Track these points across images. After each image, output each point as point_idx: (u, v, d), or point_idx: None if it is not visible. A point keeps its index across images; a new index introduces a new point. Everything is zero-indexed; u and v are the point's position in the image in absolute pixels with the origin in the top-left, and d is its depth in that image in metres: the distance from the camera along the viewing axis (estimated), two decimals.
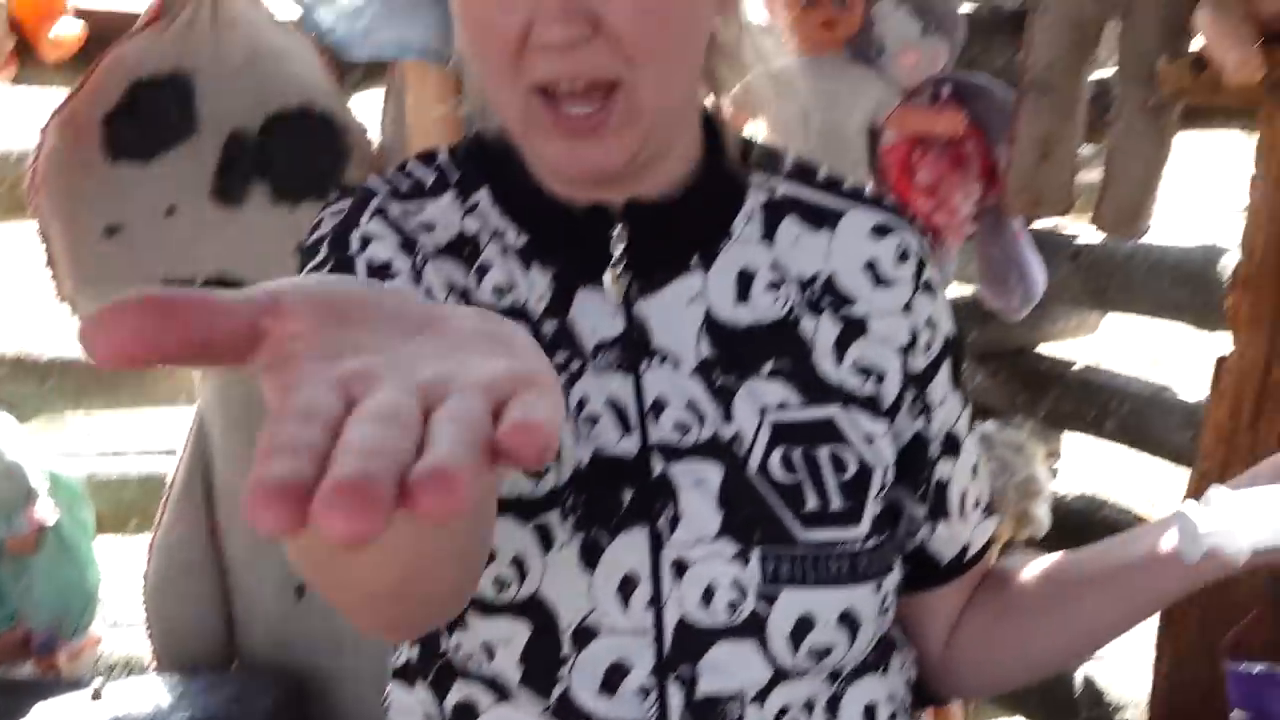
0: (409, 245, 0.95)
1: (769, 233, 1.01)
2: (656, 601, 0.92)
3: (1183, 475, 1.92)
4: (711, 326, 0.97)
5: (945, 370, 1.04)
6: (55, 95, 2.10)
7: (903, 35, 2.26)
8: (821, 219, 1.02)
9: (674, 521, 0.93)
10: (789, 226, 1.01)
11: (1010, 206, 2.24)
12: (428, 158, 1.03)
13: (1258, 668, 1.46)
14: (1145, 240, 2.22)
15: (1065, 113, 2.12)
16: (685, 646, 0.93)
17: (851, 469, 0.97)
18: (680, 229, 0.99)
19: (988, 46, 2.54)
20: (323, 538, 0.40)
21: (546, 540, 0.92)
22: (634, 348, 0.96)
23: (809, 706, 0.96)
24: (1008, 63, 2.40)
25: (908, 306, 1.02)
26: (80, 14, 2.12)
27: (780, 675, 0.94)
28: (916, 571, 1.08)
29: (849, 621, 0.95)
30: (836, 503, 0.96)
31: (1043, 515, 2.47)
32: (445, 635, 0.97)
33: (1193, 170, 3.01)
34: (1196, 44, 1.77)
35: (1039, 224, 2.54)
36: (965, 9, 2.48)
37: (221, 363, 0.47)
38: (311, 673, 2.22)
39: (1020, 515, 2.44)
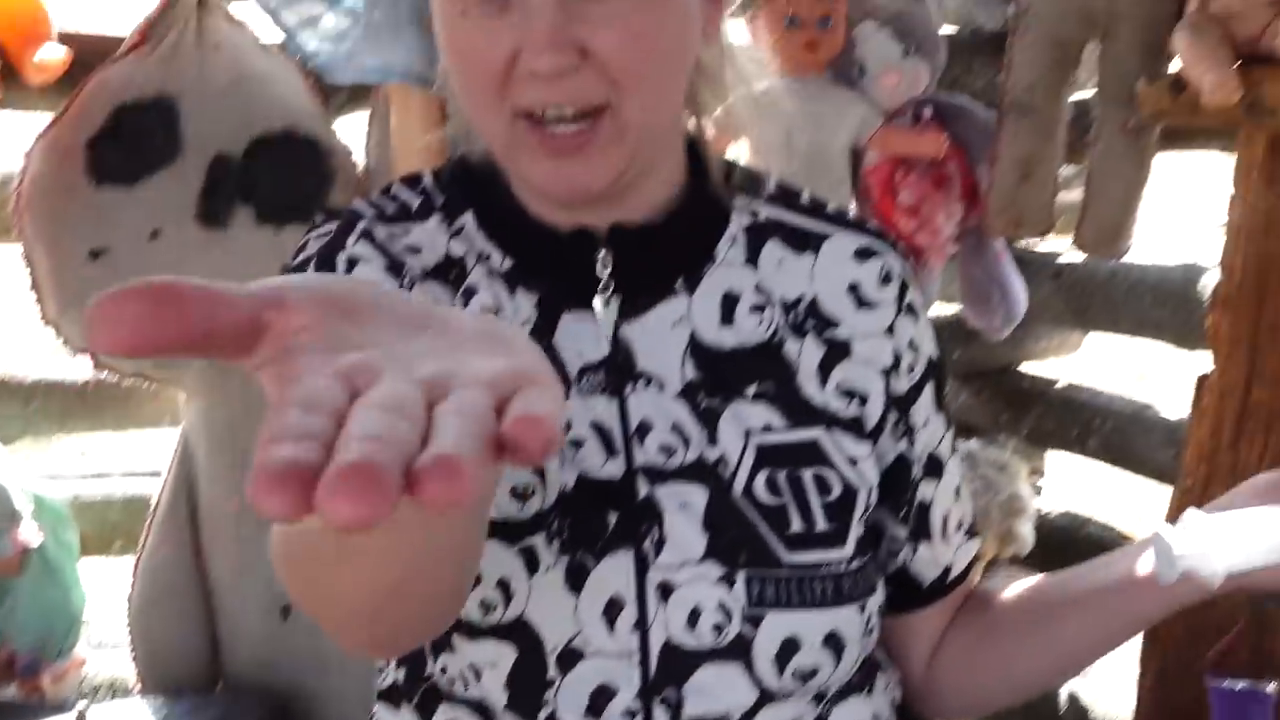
0: (396, 268, 0.95)
1: (753, 256, 1.01)
2: (642, 624, 0.93)
3: (1165, 493, 1.93)
4: (696, 349, 0.97)
5: (928, 392, 1.05)
6: (40, 119, 2.10)
7: (884, 57, 2.28)
8: (805, 242, 1.03)
9: (659, 544, 0.93)
10: (772, 249, 1.02)
11: (992, 227, 2.25)
12: (413, 181, 1.04)
13: (1240, 684, 1.47)
14: (1126, 259, 2.23)
15: (1046, 134, 2.13)
16: (671, 669, 0.93)
17: (836, 491, 0.98)
18: (665, 253, 1.00)
19: (969, 68, 2.55)
20: (327, 522, 0.39)
21: (532, 563, 0.92)
22: (619, 371, 0.96)
23: None
24: (989, 84, 2.42)
25: (890, 329, 1.02)
26: (65, 38, 2.12)
27: (766, 697, 0.95)
28: (899, 593, 1.08)
29: (834, 643, 0.96)
30: (821, 524, 0.96)
31: (1026, 533, 2.48)
32: (431, 658, 0.97)
33: (1173, 190, 3.03)
34: (1175, 66, 1.78)
35: (1021, 243, 2.55)
36: (946, 31, 2.49)
37: (223, 355, 0.46)
38: (296, 694, 2.21)
39: (1004, 533, 2.45)
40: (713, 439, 0.96)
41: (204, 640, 2.24)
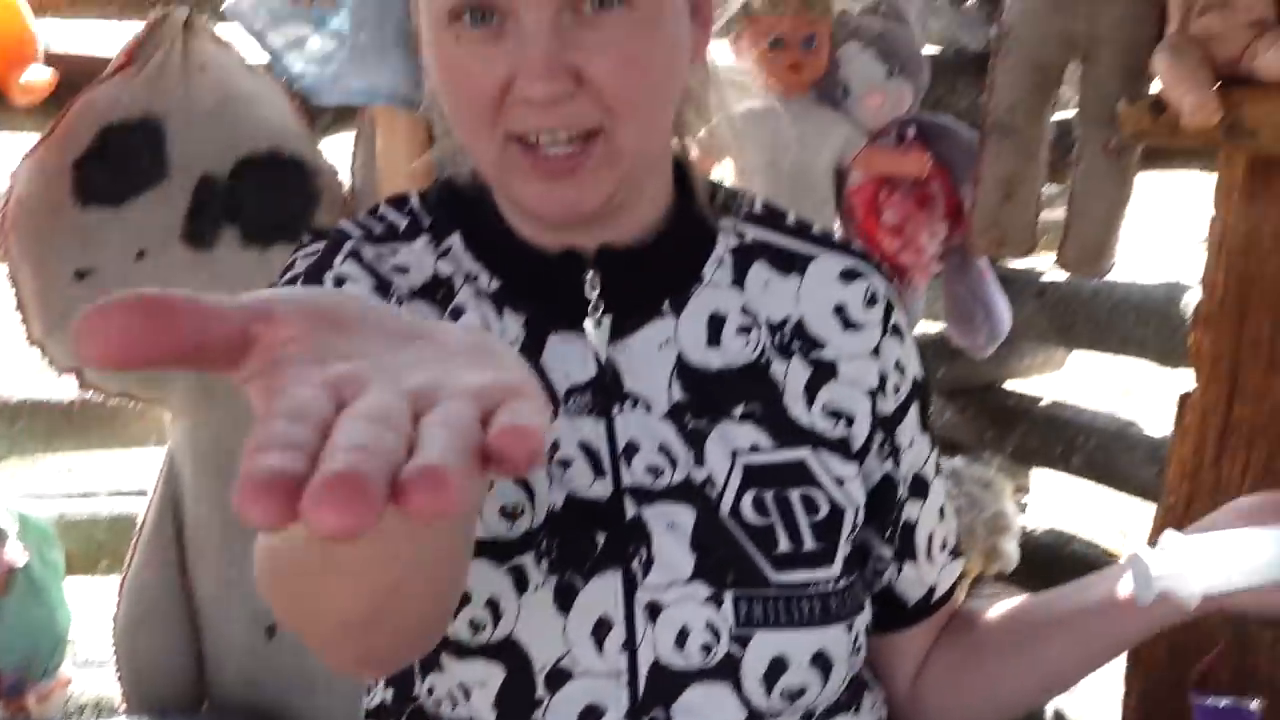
0: (383, 287, 0.96)
1: (739, 277, 1.02)
2: (630, 644, 0.93)
3: (1149, 510, 1.94)
4: (683, 370, 0.98)
5: (913, 413, 1.06)
6: (26, 140, 2.10)
7: (868, 78, 2.29)
8: (791, 264, 1.04)
9: (647, 564, 0.94)
10: (759, 271, 1.03)
11: (975, 247, 2.27)
12: (400, 202, 1.04)
13: (1224, 701, 1.47)
14: (1109, 278, 2.25)
15: (1028, 154, 2.14)
16: (659, 689, 0.93)
17: (823, 510, 0.98)
18: (652, 274, 1.00)
19: (952, 88, 2.57)
20: (312, 531, 0.40)
21: (521, 583, 0.92)
22: (606, 392, 0.97)
23: None
24: (972, 104, 2.43)
25: (876, 350, 1.03)
26: (51, 59, 2.12)
27: (754, 717, 0.95)
28: (884, 612, 1.09)
29: (822, 662, 0.96)
30: (809, 544, 0.97)
31: (1011, 550, 2.48)
32: (419, 677, 0.97)
33: (1155, 209, 3.04)
34: (1156, 87, 1.80)
35: (1005, 262, 2.56)
36: (930, 51, 2.51)
37: (212, 367, 0.47)
38: (282, 713, 2.20)
39: (989, 550, 2.46)
40: (700, 460, 0.96)
41: (189, 659, 2.24)
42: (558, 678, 0.93)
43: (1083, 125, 2.11)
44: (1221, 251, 1.70)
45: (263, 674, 2.20)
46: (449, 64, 0.90)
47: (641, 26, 0.88)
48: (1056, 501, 3.13)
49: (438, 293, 0.98)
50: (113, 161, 2.06)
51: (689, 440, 0.96)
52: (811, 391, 1.00)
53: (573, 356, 0.97)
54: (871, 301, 1.04)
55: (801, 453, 0.99)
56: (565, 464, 0.95)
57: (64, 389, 2.25)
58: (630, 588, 0.93)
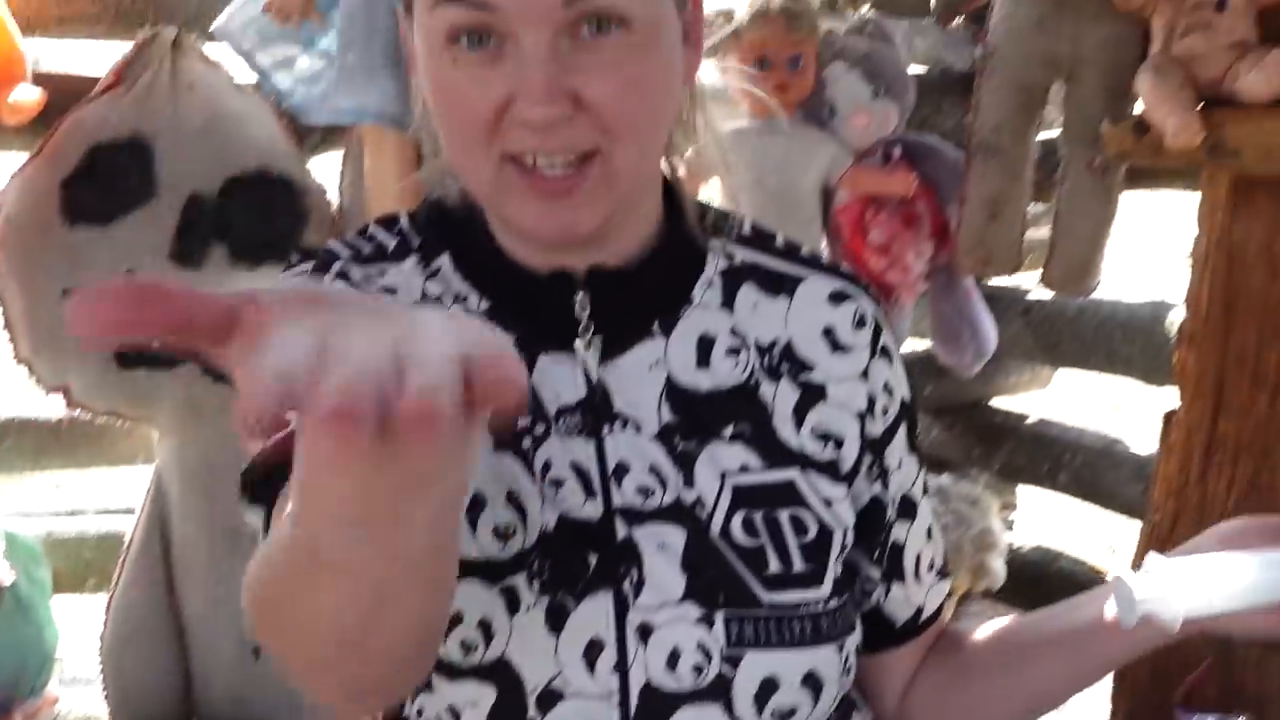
0: None
1: (728, 299, 1.02)
2: (622, 665, 0.93)
3: (1135, 527, 1.95)
4: (672, 391, 0.98)
5: (901, 434, 1.06)
6: (14, 159, 2.10)
7: (854, 98, 2.31)
8: (780, 285, 1.04)
9: (639, 585, 0.94)
10: (748, 293, 1.03)
11: (961, 265, 2.28)
12: (389, 222, 1.04)
13: (1211, 718, 1.48)
14: (1095, 296, 2.26)
15: (1013, 174, 2.16)
16: (651, 710, 0.93)
17: (812, 531, 0.98)
18: (642, 295, 1.00)
19: (938, 108, 2.59)
20: (318, 418, 0.44)
21: (513, 603, 0.92)
22: (596, 412, 0.97)
23: None
24: (958, 123, 2.45)
25: (865, 373, 1.03)
26: (39, 79, 2.13)
27: None
28: (872, 632, 1.09)
29: (812, 682, 0.96)
30: (798, 565, 0.97)
31: (998, 567, 2.49)
32: (409, 699, 0.97)
33: (1140, 227, 3.06)
34: (1139, 108, 1.81)
35: (991, 280, 2.57)
36: (915, 71, 2.53)
37: (200, 344, 0.49)
38: None
39: (976, 567, 2.46)
40: (689, 481, 0.96)
41: (177, 678, 2.23)
42: (549, 699, 0.93)
43: (1067, 145, 2.12)
44: (1205, 270, 1.71)
45: (250, 692, 2.20)
46: (445, 86, 0.90)
47: (639, 50, 0.88)
48: (1043, 518, 3.14)
49: None
50: (101, 180, 2.06)
51: (679, 461, 0.97)
52: (800, 414, 1.00)
53: (563, 377, 0.97)
54: (860, 323, 1.04)
55: (791, 473, 0.99)
56: (558, 484, 0.95)
57: (52, 407, 2.25)
58: (622, 609, 0.93)
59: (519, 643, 0.92)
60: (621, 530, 0.94)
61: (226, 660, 2.21)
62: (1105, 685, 1.82)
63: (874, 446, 1.04)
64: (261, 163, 2.14)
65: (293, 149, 2.17)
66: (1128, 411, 3.82)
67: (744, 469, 0.98)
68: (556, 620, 0.93)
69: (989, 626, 1.13)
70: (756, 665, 0.94)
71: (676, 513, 0.95)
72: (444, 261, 1.00)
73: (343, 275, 0.97)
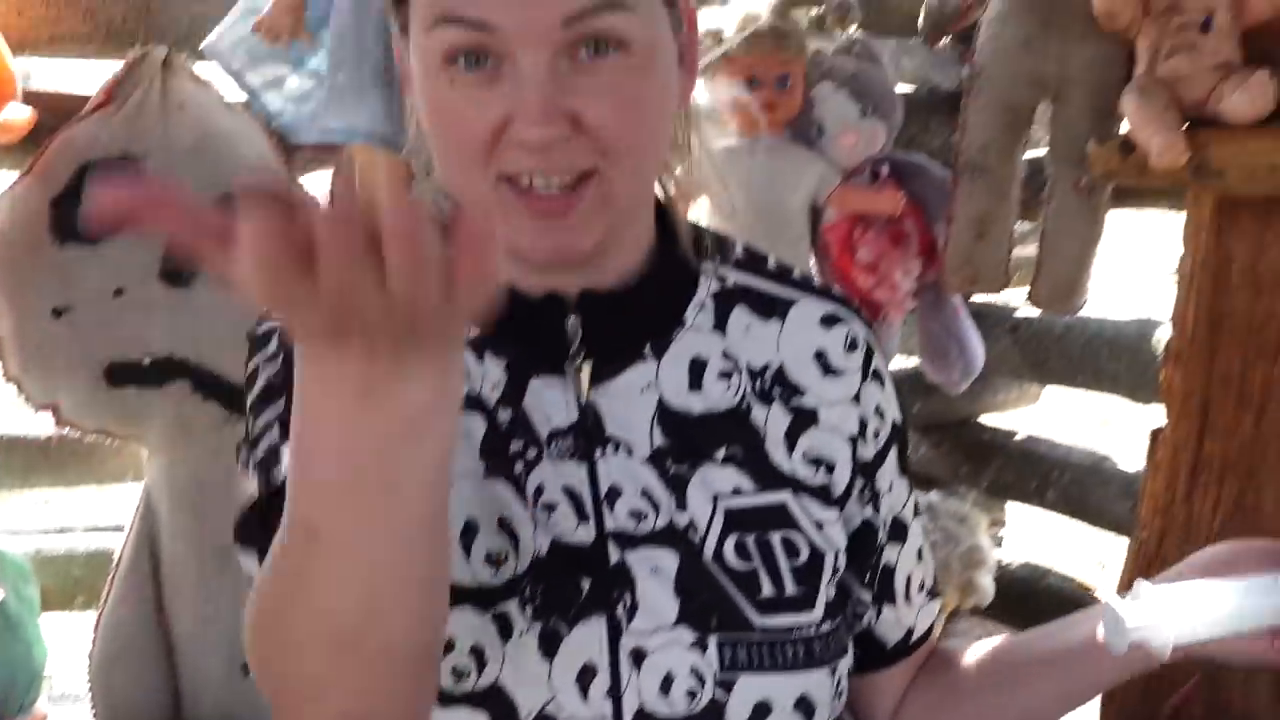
0: None
1: (720, 322, 1.02)
2: (615, 691, 0.93)
3: (1123, 545, 1.95)
4: (664, 415, 0.98)
5: (893, 457, 1.06)
6: (4, 178, 2.10)
7: (842, 117, 2.32)
8: (771, 308, 1.04)
9: (632, 610, 0.94)
10: (740, 316, 1.03)
11: (949, 284, 2.29)
12: None
13: None
14: (1082, 314, 2.27)
15: (1000, 193, 2.17)
16: None
17: (804, 555, 0.98)
18: (634, 318, 1.00)
19: (926, 127, 2.60)
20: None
21: (506, 629, 0.92)
22: (588, 436, 0.97)
23: None
24: (945, 143, 2.46)
25: (856, 397, 1.03)
26: (29, 97, 2.13)
27: None
28: (862, 654, 1.09)
29: (805, 706, 0.96)
30: (790, 589, 0.97)
31: (987, 584, 2.50)
32: None
33: (1127, 245, 3.07)
34: (1125, 128, 1.82)
35: (979, 298, 2.59)
36: (903, 90, 2.54)
37: (205, 240, 0.58)
38: None
39: (965, 584, 2.47)
40: (681, 504, 0.96)
41: (166, 696, 2.23)
42: None
43: (1054, 164, 2.14)
44: (1191, 289, 1.71)
45: (239, 709, 2.20)
46: (442, 106, 0.90)
47: (636, 72, 0.89)
48: (1031, 535, 3.14)
49: None
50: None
51: (671, 485, 0.97)
52: (792, 439, 1.00)
53: (554, 400, 0.97)
54: (852, 347, 1.04)
55: (783, 495, 0.99)
56: (550, 508, 0.95)
57: (41, 425, 2.25)
58: (615, 634, 0.93)
59: (512, 669, 0.92)
60: (614, 554, 0.94)
61: (215, 678, 2.21)
62: (1094, 701, 1.82)
63: (865, 470, 1.04)
64: None
65: (283, 168, 2.18)
66: (1117, 427, 3.83)
67: (736, 492, 0.98)
68: (549, 646, 0.92)
69: (979, 646, 1.14)
70: (750, 689, 0.94)
71: (669, 536, 0.95)
72: None
73: None
